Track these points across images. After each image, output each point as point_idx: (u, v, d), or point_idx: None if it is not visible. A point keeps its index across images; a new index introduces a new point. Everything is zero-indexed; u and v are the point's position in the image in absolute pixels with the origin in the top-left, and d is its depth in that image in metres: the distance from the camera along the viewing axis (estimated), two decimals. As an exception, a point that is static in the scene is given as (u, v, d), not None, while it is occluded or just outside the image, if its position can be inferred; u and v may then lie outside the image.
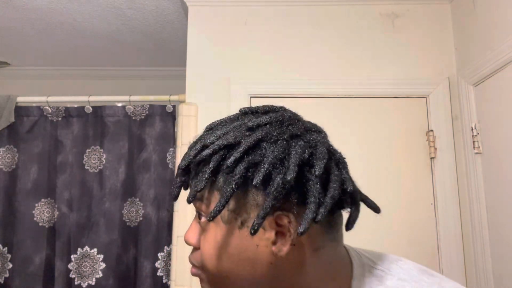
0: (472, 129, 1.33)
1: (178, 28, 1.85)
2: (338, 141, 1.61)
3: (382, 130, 1.45)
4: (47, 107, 1.57)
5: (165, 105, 1.56)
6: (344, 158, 0.49)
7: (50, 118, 1.58)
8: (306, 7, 1.54)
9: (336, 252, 0.48)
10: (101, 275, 1.47)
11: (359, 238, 1.38)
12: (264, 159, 0.42)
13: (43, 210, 1.52)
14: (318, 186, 0.42)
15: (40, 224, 1.51)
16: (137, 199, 1.53)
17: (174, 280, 1.36)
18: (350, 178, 0.48)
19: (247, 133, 0.44)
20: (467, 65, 1.38)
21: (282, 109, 0.51)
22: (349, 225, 0.48)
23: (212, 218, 0.42)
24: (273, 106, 0.51)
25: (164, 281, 1.49)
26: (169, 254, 1.49)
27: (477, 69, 1.30)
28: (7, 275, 1.49)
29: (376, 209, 0.51)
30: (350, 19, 1.53)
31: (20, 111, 1.58)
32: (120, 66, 2.35)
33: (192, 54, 1.52)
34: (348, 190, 0.45)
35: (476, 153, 1.31)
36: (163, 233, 1.50)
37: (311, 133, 0.47)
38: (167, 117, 1.57)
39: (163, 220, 1.51)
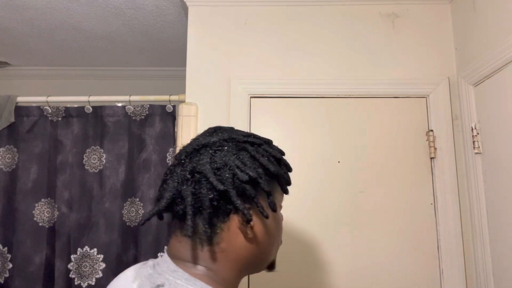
0: (472, 129, 1.33)
1: (178, 28, 1.85)
2: (337, 141, 1.61)
3: (382, 130, 1.45)
4: (47, 107, 1.57)
5: (165, 105, 1.56)
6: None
7: (50, 118, 1.58)
8: (306, 7, 1.54)
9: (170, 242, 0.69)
10: (101, 275, 1.47)
11: (359, 238, 1.39)
12: None
13: (43, 210, 1.52)
14: None
15: (40, 224, 1.51)
16: (137, 199, 1.53)
17: (174, 280, 1.36)
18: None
19: None
20: (467, 65, 1.38)
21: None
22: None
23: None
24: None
25: (164, 281, 1.49)
26: (169, 254, 1.49)
27: (477, 69, 1.30)
28: (7, 275, 1.49)
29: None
30: (350, 19, 1.53)
31: (20, 111, 1.58)
32: (120, 66, 2.35)
33: (192, 54, 1.53)
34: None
35: (476, 153, 1.31)
36: (163, 233, 1.50)
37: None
38: (167, 117, 1.57)
39: (163, 220, 1.51)
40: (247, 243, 0.64)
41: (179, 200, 0.63)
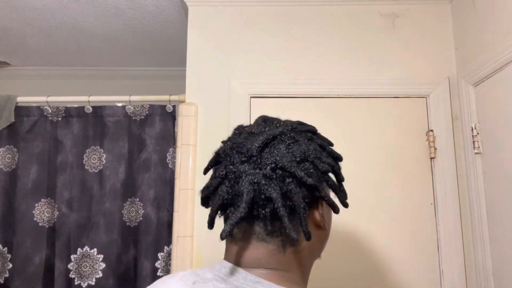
0: (472, 129, 1.33)
1: (178, 28, 1.85)
2: (337, 141, 1.61)
3: (382, 130, 1.45)
4: (47, 107, 1.57)
5: (165, 105, 1.56)
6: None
7: (50, 118, 1.58)
8: (306, 7, 1.54)
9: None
10: (101, 275, 1.47)
11: (359, 238, 1.39)
12: None
13: (43, 210, 1.52)
14: None
15: (40, 224, 1.51)
16: (137, 199, 1.53)
17: (174, 280, 1.36)
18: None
19: None
20: (467, 65, 1.38)
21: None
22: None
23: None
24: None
25: (164, 281, 1.49)
26: (169, 254, 1.49)
27: (477, 69, 1.30)
28: (7, 275, 1.49)
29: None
30: (350, 19, 1.53)
31: (20, 111, 1.58)
32: (120, 66, 2.35)
33: (192, 54, 1.53)
34: None
35: (476, 153, 1.31)
36: (163, 233, 1.50)
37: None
38: (167, 117, 1.57)
39: (163, 220, 1.51)
40: (318, 236, 0.61)
41: (263, 201, 0.55)
